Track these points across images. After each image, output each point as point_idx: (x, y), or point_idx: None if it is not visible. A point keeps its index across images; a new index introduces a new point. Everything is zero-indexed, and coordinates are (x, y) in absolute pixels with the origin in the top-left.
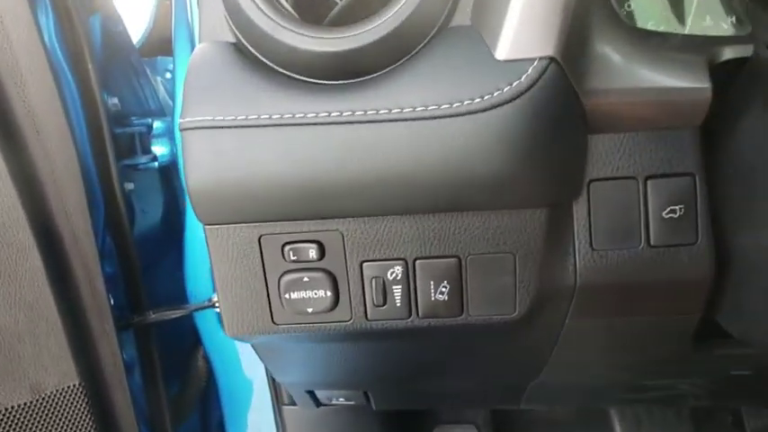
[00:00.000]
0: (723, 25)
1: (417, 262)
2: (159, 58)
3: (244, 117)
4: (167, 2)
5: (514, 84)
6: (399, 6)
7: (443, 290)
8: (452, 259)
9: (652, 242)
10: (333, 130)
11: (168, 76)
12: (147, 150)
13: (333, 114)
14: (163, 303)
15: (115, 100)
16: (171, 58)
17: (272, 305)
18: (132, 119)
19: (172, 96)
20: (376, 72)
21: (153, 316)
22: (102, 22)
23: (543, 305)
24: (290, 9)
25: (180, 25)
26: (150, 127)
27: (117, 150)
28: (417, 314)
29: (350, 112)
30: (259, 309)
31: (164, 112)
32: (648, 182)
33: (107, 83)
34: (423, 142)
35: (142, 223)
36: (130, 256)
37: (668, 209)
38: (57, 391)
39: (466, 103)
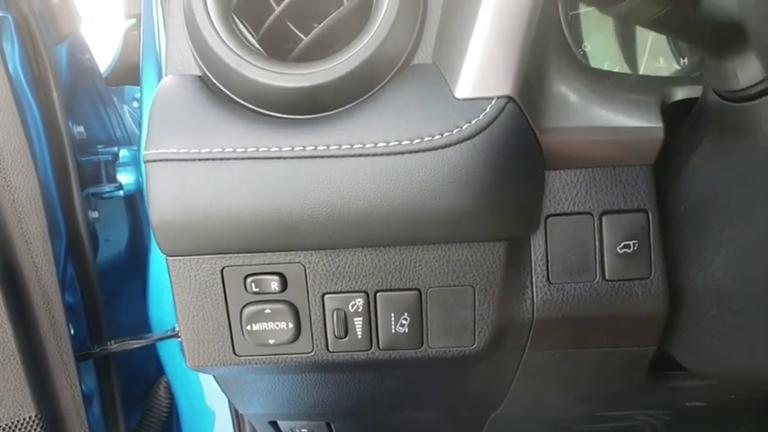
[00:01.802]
0: (675, 66)
1: (378, 294)
2: (126, 86)
3: (208, 150)
4: (135, 31)
5: (473, 121)
6: (363, 44)
7: (404, 322)
8: (413, 292)
9: (607, 276)
10: (296, 164)
11: (135, 104)
12: (112, 179)
13: (296, 149)
14: (126, 333)
15: (81, 128)
16: (138, 87)
17: (233, 337)
18: (98, 147)
19: (138, 125)
20: (339, 108)
21: (114, 346)
22: (68, 49)
23: (502, 337)
24: (255, 44)
25: (148, 54)
26: (116, 155)
27: (82, 178)
28: (378, 346)
29: (313, 147)
30: (221, 340)
31: (130, 140)
32: (603, 217)
33: (73, 110)
34: (384, 177)
35: (106, 252)
36: (92, 285)
37: (622, 244)
38: (12, 423)
39: (426, 139)
